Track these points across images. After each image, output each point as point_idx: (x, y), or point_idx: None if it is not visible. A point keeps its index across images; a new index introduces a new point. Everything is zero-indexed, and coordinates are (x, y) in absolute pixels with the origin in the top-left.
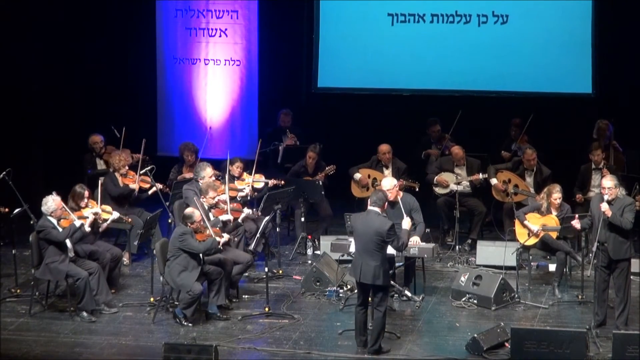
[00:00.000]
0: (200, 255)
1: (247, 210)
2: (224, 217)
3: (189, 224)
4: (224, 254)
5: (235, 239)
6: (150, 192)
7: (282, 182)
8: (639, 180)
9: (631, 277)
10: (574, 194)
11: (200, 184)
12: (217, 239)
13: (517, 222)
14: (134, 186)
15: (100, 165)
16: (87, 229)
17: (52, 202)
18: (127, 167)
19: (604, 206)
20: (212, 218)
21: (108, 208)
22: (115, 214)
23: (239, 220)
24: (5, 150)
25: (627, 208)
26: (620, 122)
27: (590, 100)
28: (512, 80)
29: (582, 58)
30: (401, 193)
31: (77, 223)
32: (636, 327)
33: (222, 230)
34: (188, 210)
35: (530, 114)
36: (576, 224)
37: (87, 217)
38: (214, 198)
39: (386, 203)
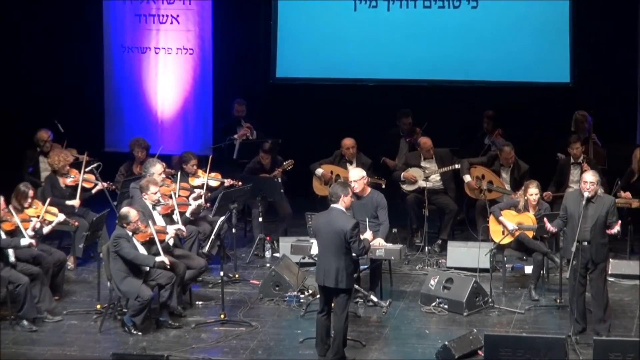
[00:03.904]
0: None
1: (194, 203)
2: (174, 227)
3: (125, 225)
4: (176, 257)
5: (184, 232)
6: (93, 190)
7: (239, 183)
8: (621, 176)
9: (610, 279)
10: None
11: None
12: (162, 258)
13: (491, 218)
14: (75, 202)
15: (44, 163)
16: (30, 233)
17: None
18: (68, 167)
19: (615, 230)
20: (156, 217)
21: (53, 209)
22: (61, 216)
23: (187, 214)
24: None
25: (614, 211)
26: (600, 113)
27: (569, 90)
28: (484, 69)
29: (560, 45)
30: (369, 188)
31: (25, 242)
32: (618, 333)
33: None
34: (123, 210)
35: (504, 105)
36: (551, 227)
37: (37, 225)
38: (155, 193)
39: (350, 195)
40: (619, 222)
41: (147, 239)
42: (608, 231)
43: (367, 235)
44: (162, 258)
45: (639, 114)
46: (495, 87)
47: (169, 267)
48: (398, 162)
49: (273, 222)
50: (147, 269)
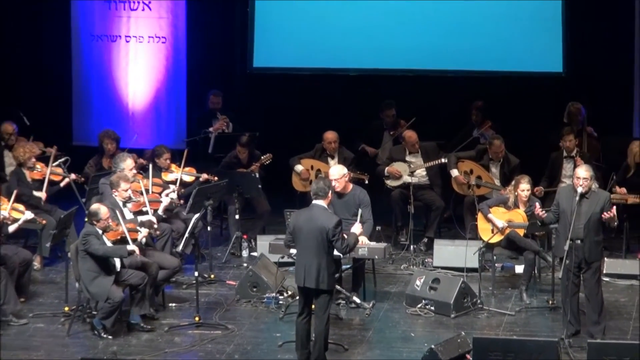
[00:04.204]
0: (116, 258)
1: (166, 199)
2: (143, 218)
3: (95, 223)
4: (148, 257)
5: (157, 232)
6: (62, 184)
7: (215, 178)
8: (616, 171)
9: (605, 279)
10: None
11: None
12: (132, 247)
13: (480, 216)
14: (41, 194)
15: (9, 157)
16: None
17: None
18: (34, 159)
19: (614, 212)
20: (127, 214)
21: (20, 207)
22: (29, 214)
23: (159, 211)
24: None
25: (609, 207)
26: (595, 104)
27: (561, 80)
28: (473, 57)
29: (552, 32)
30: (351, 185)
31: None
32: (614, 335)
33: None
34: (93, 207)
35: (494, 96)
36: (540, 211)
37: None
38: (126, 190)
39: (331, 192)
40: (614, 207)
41: (119, 237)
42: (603, 215)
43: (356, 228)
44: (132, 247)
45: (635, 104)
46: (484, 77)
47: (139, 257)
48: (381, 155)
49: (250, 219)
50: (118, 268)
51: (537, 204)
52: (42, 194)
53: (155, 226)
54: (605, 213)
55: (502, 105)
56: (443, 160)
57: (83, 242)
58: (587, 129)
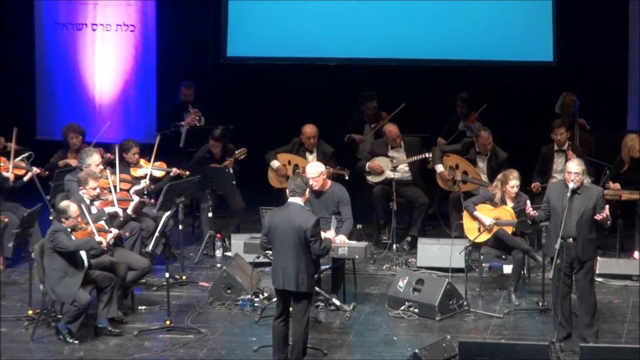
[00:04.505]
0: (84, 256)
1: (136, 198)
2: (110, 210)
3: (64, 220)
4: (117, 257)
5: (127, 233)
6: (25, 178)
7: (186, 173)
8: (610, 165)
9: (598, 279)
10: (532, 181)
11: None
12: (99, 238)
13: (465, 214)
14: (8, 174)
15: None
16: None
17: None
18: None
19: (607, 213)
20: (95, 212)
21: None
22: None
23: (129, 211)
24: None
25: (602, 204)
26: (587, 95)
27: (552, 69)
28: (458, 46)
29: (542, 20)
30: (329, 182)
31: None
32: (607, 339)
33: (110, 225)
34: (63, 204)
35: (479, 87)
36: (531, 210)
37: None
38: (95, 189)
39: (308, 190)
40: (607, 206)
41: (87, 237)
42: (596, 216)
43: (329, 234)
44: (99, 238)
45: (630, 95)
46: (471, 67)
47: (105, 248)
48: (362, 149)
49: (224, 217)
50: (86, 266)
51: (528, 202)
52: (9, 174)
53: (122, 219)
54: (598, 213)
55: (490, 96)
56: (427, 155)
57: (51, 239)
58: (580, 121)
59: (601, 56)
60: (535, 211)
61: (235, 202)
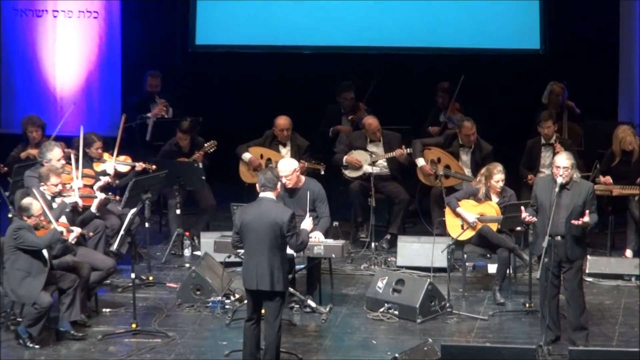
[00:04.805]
0: (46, 256)
1: (100, 195)
2: (69, 200)
3: (26, 218)
4: (80, 257)
5: (90, 232)
6: None
7: (153, 166)
8: (600, 159)
9: (587, 279)
10: (520, 174)
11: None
12: (60, 228)
13: (447, 210)
14: None
15: None
16: None
17: None
18: None
19: (586, 219)
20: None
21: None
22: None
23: (93, 209)
24: None
25: (592, 200)
26: (576, 84)
27: (539, 58)
28: (440, 34)
29: (529, 6)
30: (303, 178)
31: None
32: (598, 342)
33: (72, 223)
34: (25, 201)
35: (465, 76)
36: (529, 217)
37: None
38: (57, 185)
39: (280, 184)
40: (587, 212)
41: None
42: (574, 221)
43: (306, 224)
44: (61, 228)
45: (621, 85)
46: (453, 55)
47: (67, 239)
48: (339, 139)
49: (193, 214)
50: (48, 266)
51: (522, 208)
52: None
53: (80, 209)
54: (574, 221)
55: (474, 86)
56: (408, 150)
57: (15, 237)
58: (568, 104)
59: (591, 44)
60: (531, 217)
61: (205, 198)
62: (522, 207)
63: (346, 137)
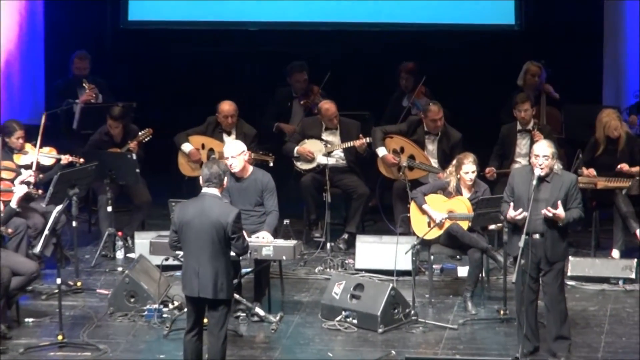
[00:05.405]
0: None
1: (20, 188)
2: None
3: None
4: None
5: (10, 230)
6: None
7: (81, 159)
8: (583, 148)
9: (569, 283)
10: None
11: None
12: None
13: (412, 206)
14: None
15: None
16: None
17: None
18: None
19: (560, 211)
20: None
21: None
22: None
23: (13, 204)
24: None
25: (575, 194)
26: (555, 64)
27: (514, 34)
28: (404, 8)
29: None
30: (250, 167)
31: None
32: (582, 353)
33: None
34: None
35: (430, 55)
36: (515, 214)
37: None
38: None
39: (226, 179)
40: (559, 204)
41: None
42: (543, 210)
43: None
44: None
45: (606, 66)
46: (417, 32)
47: None
48: (296, 128)
49: (126, 212)
50: None
51: (512, 205)
52: None
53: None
54: (546, 210)
55: (440, 66)
56: (367, 140)
57: None
58: (546, 87)
59: (572, 19)
60: (521, 214)
61: (140, 193)
62: (512, 204)
63: (298, 125)
